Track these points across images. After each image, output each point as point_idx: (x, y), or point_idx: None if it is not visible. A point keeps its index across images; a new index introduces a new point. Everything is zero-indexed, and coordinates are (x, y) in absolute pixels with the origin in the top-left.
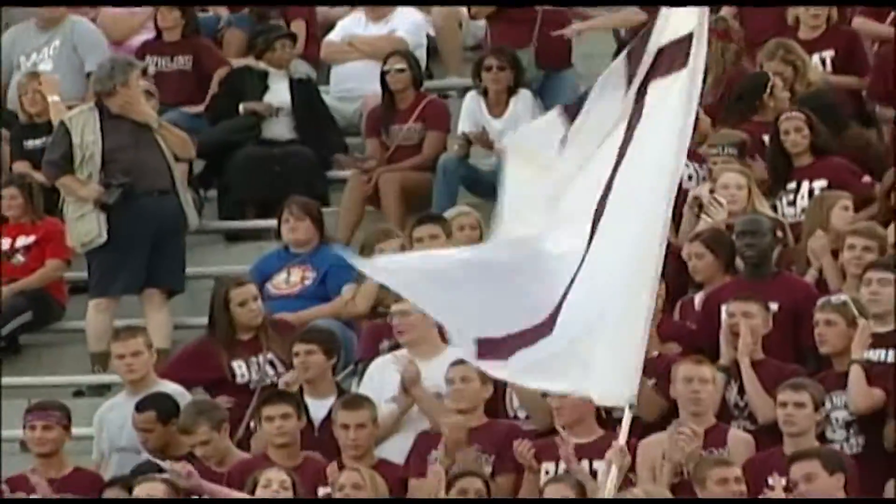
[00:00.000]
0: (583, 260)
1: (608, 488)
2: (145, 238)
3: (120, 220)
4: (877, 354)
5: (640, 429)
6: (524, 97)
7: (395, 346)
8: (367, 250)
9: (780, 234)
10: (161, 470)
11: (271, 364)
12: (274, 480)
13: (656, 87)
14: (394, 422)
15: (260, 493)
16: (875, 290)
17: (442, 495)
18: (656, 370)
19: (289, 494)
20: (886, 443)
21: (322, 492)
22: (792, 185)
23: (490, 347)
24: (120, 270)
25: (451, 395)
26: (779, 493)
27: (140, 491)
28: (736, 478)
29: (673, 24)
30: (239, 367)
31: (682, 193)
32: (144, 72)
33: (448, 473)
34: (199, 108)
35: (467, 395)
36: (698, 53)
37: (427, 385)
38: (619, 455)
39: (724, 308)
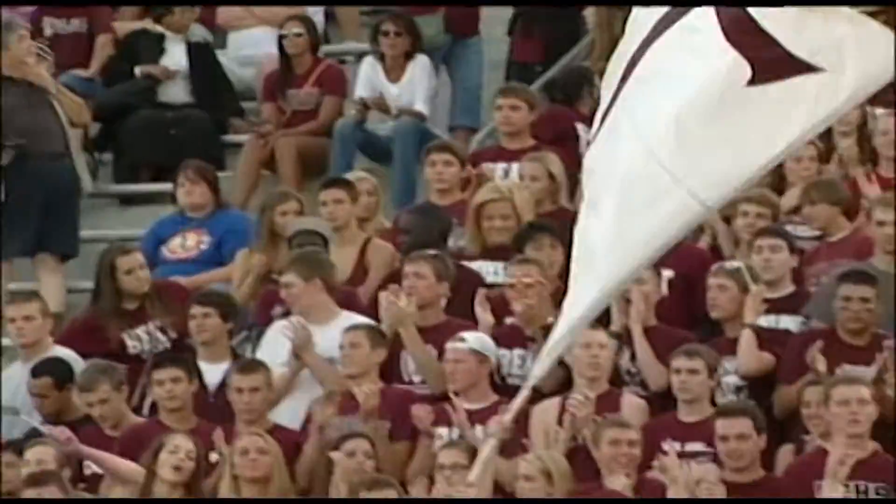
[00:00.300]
0: None
1: (483, 460)
2: (39, 201)
3: (14, 182)
4: (768, 321)
5: (538, 396)
6: (421, 63)
7: (288, 312)
8: (265, 214)
9: None
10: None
11: (161, 330)
12: (182, 448)
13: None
14: (285, 386)
15: (164, 458)
16: (767, 256)
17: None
18: None
19: (192, 465)
20: (776, 409)
21: (213, 457)
22: None
23: None
24: (13, 233)
25: (342, 361)
26: (673, 459)
27: (31, 455)
28: (630, 440)
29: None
30: (130, 337)
31: (577, 159)
32: (38, 34)
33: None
34: (91, 72)
35: (356, 360)
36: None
37: (321, 351)
38: (501, 430)
39: None
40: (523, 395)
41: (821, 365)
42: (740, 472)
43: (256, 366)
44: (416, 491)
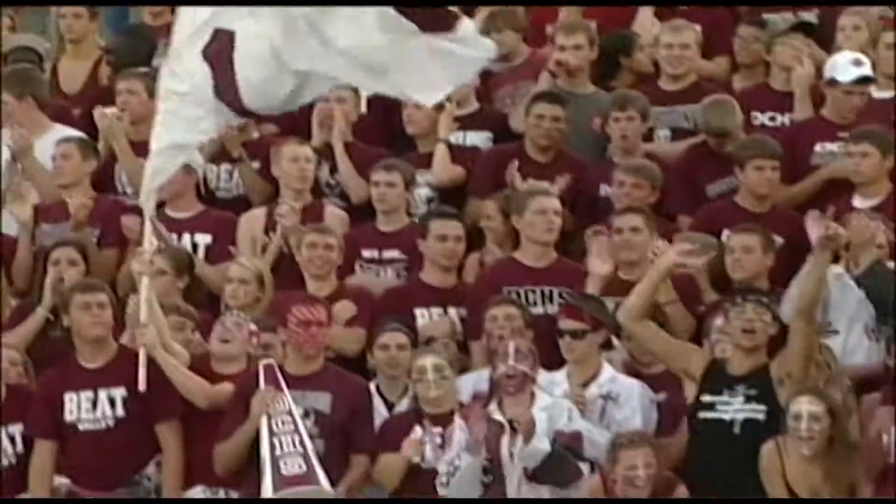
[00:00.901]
0: None
1: (144, 299)
2: None
3: None
4: (457, 137)
5: (245, 206)
6: None
7: None
8: None
9: None
10: None
11: None
12: None
13: None
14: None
15: None
16: None
17: None
18: (259, 153)
19: None
20: (468, 219)
21: None
22: None
23: None
24: None
25: (54, 172)
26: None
27: None
28: (326, 244)
29: None
30: None
31: None
32: None
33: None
34: None
35: (68, 171)
36: None
37: (38, 161)
38: (146, 267)
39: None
40: (149, 228)
41: (517, 180)
42: (446, 273)
43: None
44: (124, 293)
